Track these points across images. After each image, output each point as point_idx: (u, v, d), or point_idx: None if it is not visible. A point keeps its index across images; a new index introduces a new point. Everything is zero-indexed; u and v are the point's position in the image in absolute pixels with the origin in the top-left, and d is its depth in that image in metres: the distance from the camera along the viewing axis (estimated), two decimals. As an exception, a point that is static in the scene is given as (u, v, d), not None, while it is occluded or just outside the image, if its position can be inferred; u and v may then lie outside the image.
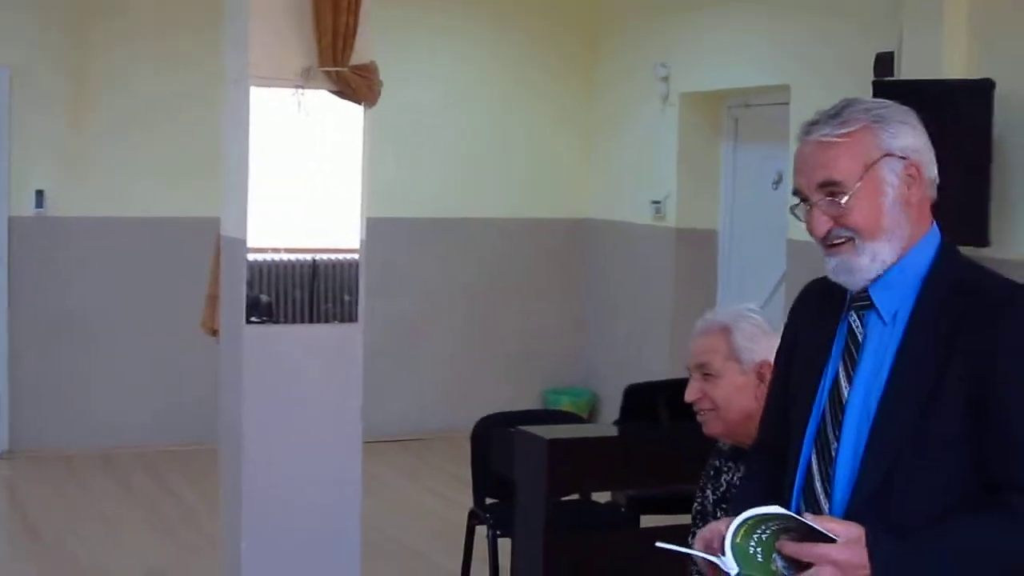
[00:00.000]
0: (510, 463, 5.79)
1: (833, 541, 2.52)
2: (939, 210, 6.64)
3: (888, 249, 2.70)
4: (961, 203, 6.63)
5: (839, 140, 2.71)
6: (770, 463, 2.94)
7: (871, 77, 7.48)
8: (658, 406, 5.78)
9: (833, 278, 2.77)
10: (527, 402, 10.65)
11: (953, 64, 7.24)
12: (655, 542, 2.72)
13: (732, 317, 3.70)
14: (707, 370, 3.72)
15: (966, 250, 6.77)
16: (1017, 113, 6.95)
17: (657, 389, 5.93)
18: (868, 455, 2.66)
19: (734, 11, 9.57)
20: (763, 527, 2.54)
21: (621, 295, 10.95)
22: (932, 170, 2.75)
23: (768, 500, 2.76)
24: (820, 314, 2.87)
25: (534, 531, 5.57)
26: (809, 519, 2.54)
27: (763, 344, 3.64)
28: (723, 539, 2.54)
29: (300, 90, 5.85)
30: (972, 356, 2.57)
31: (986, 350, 2.57)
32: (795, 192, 2.80)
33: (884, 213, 2.70)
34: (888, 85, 7.20)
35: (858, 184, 2.68)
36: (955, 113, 6.76)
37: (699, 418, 3.78)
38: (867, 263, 2.71)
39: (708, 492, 3.92)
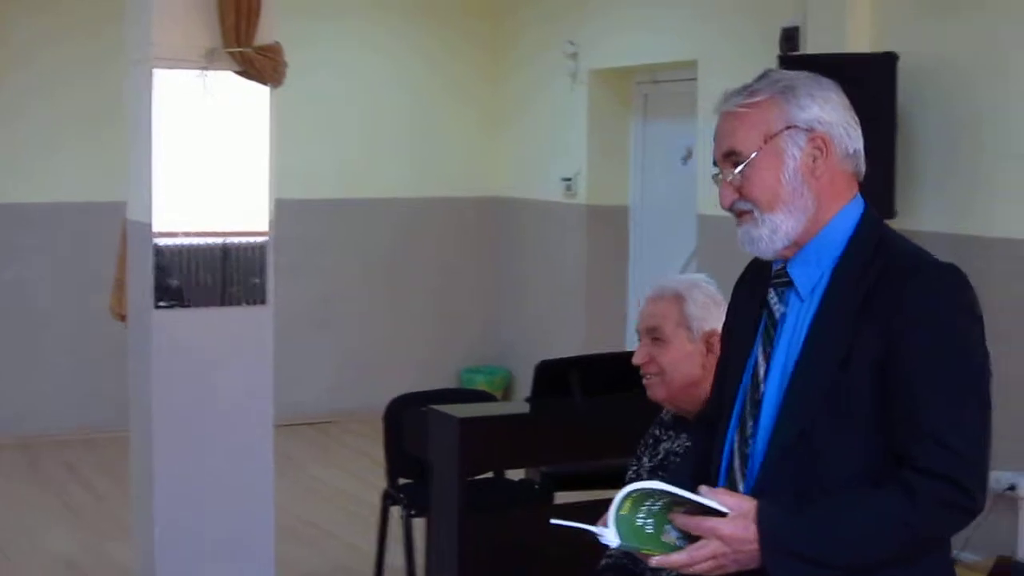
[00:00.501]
0: (423, 443, 5.77)
1: (726, 515, 2.53)
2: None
3: (790, 221, 2.68)
4: (867, 175, 6.68)
5: (744, 110, 2.70)
6: (708, 437, 2.94)
7: (778, 52, 7.52)
8: (570, 382, 5.78)
9: (741, 247, 2.76)
10: (442, 381, 10.62)
11: (857, 38, 7.29)
12: (550, 519, 2.73)
13: (686, 286, 3.73)
14: (657, 335, 3.76)
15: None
16: (920, 86, 7.02)
17: (569, 365, 5.91)
18: (781, 419, 2.66)
19: (641, -12, 9.59)
20: (652, 500, 2.53)
21: (534, 273, 10.96)
22: (848, 144, 2.72)
23: (700, 473, 2.79)
24: (752, 292, 2.86)
25: (448, 510, 5.56)
26: (702, 492, 2.55)
27: (714, 314, 3.67)
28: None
29: (204, 71, 5.80)
30: (881, 325, 2.57)
31: (892, 321, 2.56)
32: (715, 162, 2.79)
33: (782, 185, 2.68)
34: (794, 60, 7.24)
35: (756, 154, 2.68)
36: (860, 87, 6.76)
37: (644, 382, 3.82)
38: (767, 234, 2.69)
39: (644, 459, 3.95)
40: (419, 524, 6.08)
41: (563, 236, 10.53)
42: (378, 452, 6.65)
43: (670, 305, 3.75)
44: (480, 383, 10.70)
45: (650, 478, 3.84)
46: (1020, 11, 6.57)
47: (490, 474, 6.46)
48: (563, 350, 8.87)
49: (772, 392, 2.69)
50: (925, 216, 7.03)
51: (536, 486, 6.35)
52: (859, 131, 2.75)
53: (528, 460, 6.23)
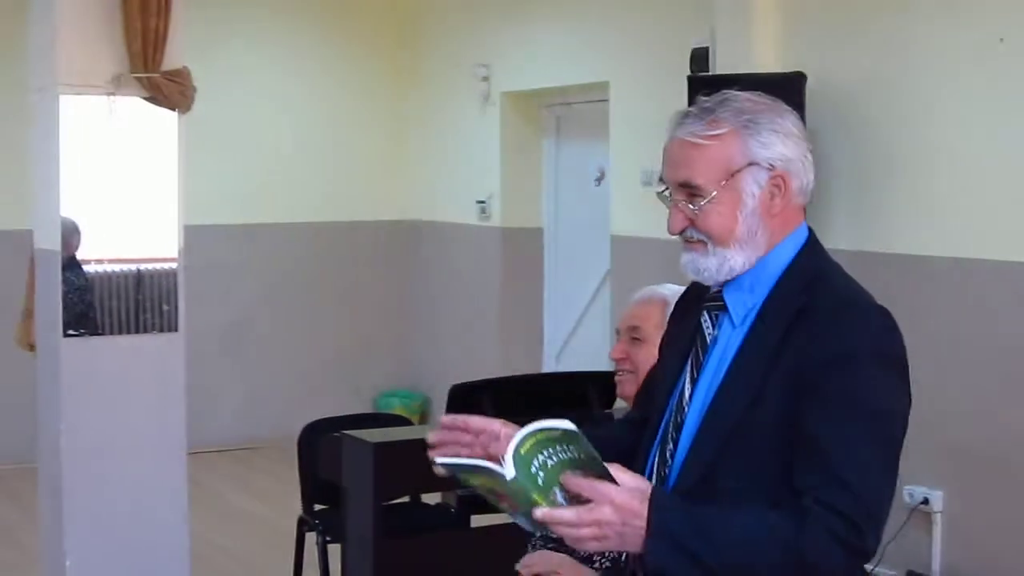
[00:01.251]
0: (337, 468, 5.74)
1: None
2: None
3: (740, 257, 2.64)
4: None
5: (705, 142, 2.63)
6: (631, 429, 2.91)
7: (688, 72, 7.56)
8: (483, 405, 5.77)
9: (684, 272, 2.72)
10: (359, 406, 10.56)
11: (765, 58, 7.35)
12: (438, 461, 2.63)
13: (673, 294, 3.76)
14: (636, 334, 3.82)
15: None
16: (828, 105, 7.08)
17: (481, 388, 5.92)
18: (694, 447, 2.62)
19: (552, 11, 9.61)
20: (552, 450, 2.42)
21: (449, 296, 10.95)
22: (804, 177, 2.66)
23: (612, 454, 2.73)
24: (687, 314, 2.83)
25: (364, 536, 5.54)
26: (609, 466, 2.46)
27: None
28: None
29: (112, 97, 5.76)
30: (794, 366, 2.53)
31: (805, 363, 2.53)
32: (661, 178, 2.73)
33: (740, 223, 2.63)
34: (703, 80, 7.28)
35: (714, 192, 2.62)
36: (768, 106, 6.85)
37: (617, 377, 3.90)
38: (715, 266, 2.65)
39: None
40: (335, 550, 6.04)
41: (478, 258, 10.53)
42: (293, 478, 6.60)
43: (654, 308, 3.81)
44: (397, 407, 10.67)
45: None
46: (925, 31, 6.64)
47: (406, 499, 6.43)
48: (479, 372, 8.86)
49: (693, 418, 2.66)
50: (833, 234, 7.07)
51: (452, 510, 6.33)
52: (811, 161, 2.69)
53: (443, 484, 6.19)
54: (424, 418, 11.02)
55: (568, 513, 2.41)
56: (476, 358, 10.32)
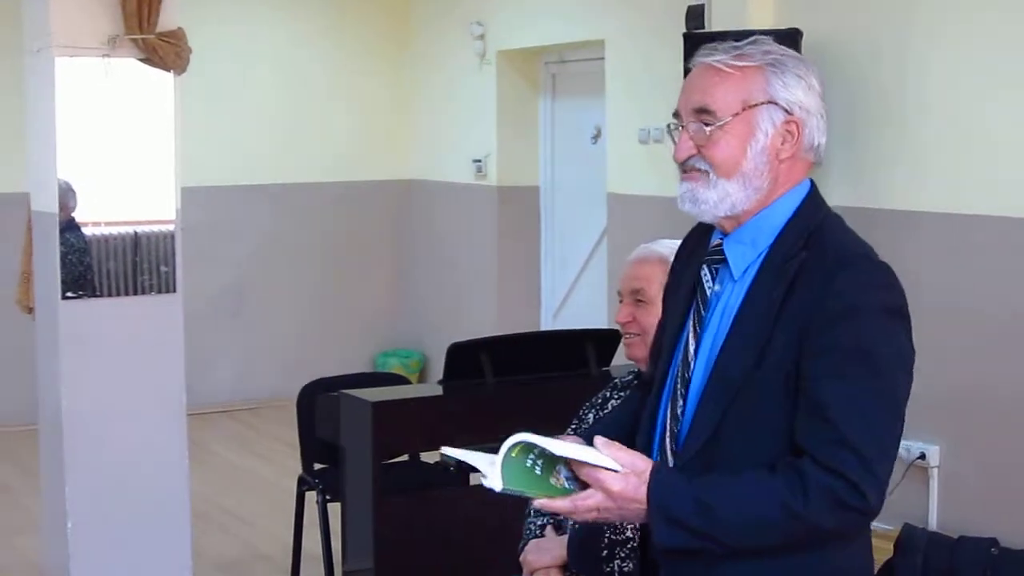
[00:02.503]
0: (336, 428, 5.76)
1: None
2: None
3: (741, 193, 2.63)
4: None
5: (728, 70, 2.62)
6: (644, 399, 2.91)
7: (683, 30, 7.55)
8: (482, 363, 5.80)
9: (679, 205, 2.70)
10: (358, 366, 10.59)
11: (760, 14, 7.34)
12: (444, 452, 2.68)
13: (670, 250, 3.71)
14: (640, 296, 3.74)
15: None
16: (824, 62, 7.06)
17: (481, 347, 5.93)
18: (701, 405, 2.63)
19: (547, -33, 9.59)
20: (540, 449, 2.50)
21: (447, 255, 10.96)
22: (816, 136, 2.67)
23: (625, 432, 2.78)
24: (690, 262, 2.83)
25: (363, 494, 5.56)
26: (597, 444, 2.53)
27: None
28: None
29: (107, 58, 5.75)
30: (798, 322, 2.54)
31: (810, 319, 2.53)
32: (675, 113, 2.71)
33: (747, 157, 2.62)
34: (699, 37, 7.27)
35: (730, 119, 2.61)
36: (764, 63, 6.85)
37: (625, 340, 3.82)
38: (715, 199, 2.64)
39: (590, 415, 3.98)
40: (335, 509, 6.07)
41: (474, 217, 10.53)
42: (293, 438, 6.62)
43: (655, 268, 3.73)
44: (395, 366, 10.69)
45: (588, 432, 3.89)
46: (920, -14, 6.64)
47: (404, 457, 6.46)
48: (476, 331, 8.88)
49: (699, 374, 2.67)
50: (829, 190, 7.04)
51: (451, 468, 6.35)
52: (825, 125, 2.70)
53: (442, 442, 6.22)
54: (422, 377, 11.06)
55: (565, 503, 2.53)
56: (473, 317, 10.34)
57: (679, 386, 2.70)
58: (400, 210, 11.39)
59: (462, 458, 2.58)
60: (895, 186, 6.80)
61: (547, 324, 10.18)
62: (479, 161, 10.36)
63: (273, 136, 10.80)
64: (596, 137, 9.48)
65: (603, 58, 8.89)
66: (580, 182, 9.78)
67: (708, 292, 2.71)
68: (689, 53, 6.93)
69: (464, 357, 5.85)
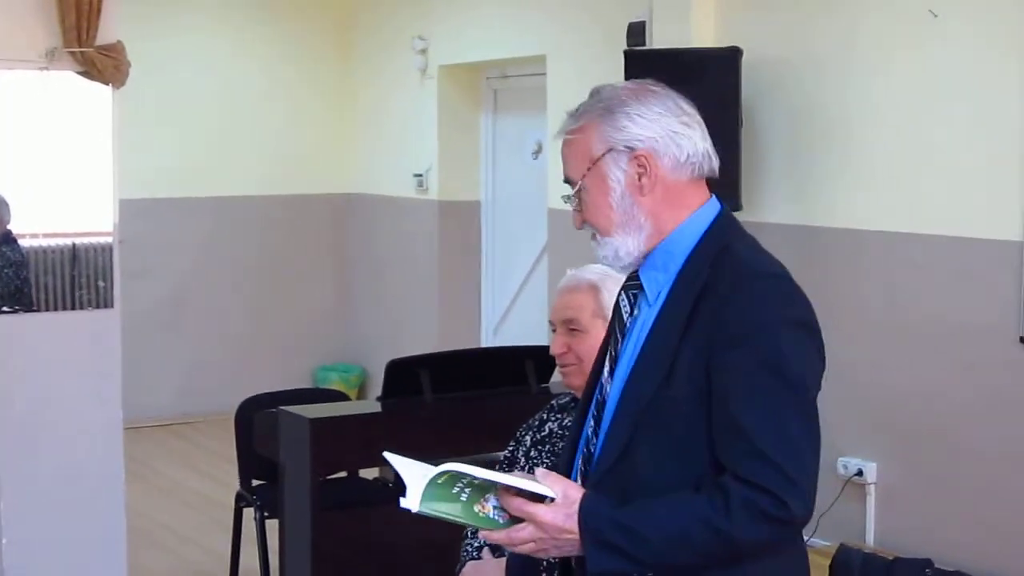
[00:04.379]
0: (275, 444, 5.75)
1: (553, 500, 2.55)
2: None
3: (630, 242, 2.69)
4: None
5: (572, 136, 2.72)
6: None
7: (624, 47, 7.57)
8: (421, 380, 5.79)
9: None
10: (298, 380, 10.57)
11: (702, 32, 7.37)
12: (386, 456, 2.68)
13: (599, 276, 3.71)
14: (574, 325, 3.70)
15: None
16: (764, 80, 7.11)
17: (419, 363, 5.93)
18: (613, 425, 2.67)
19: (489, -17, 9.61)
20: (468, 480, 2.53)
21: (387, 269, 10.94)
22: (677, 152, 2.67)
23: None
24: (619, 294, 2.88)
25: (301, 511, 5.55)
26: (538, 474, 2.58)
27: None
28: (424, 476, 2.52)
29: (45, 71, 5.72)
30: (703, 340, 2.57)
31: (713, 337, 2.56)
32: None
33: (613, 209, 2.68)
34: (639, 55, 7.30)
35: (583, 182, 2.70)
36: (704, 81, 6.88)
37: (561, 370, 3.78)
38: (611, 255, 2.71)
39: (527, 437, 3.95)
40: (273, 525, 6.05)
41: (415, 232, 10.52)
42: (231, 453, 6.60)
43: (586, 296, 3.72)
44: (335, 382, 10.67)
45: (527, 453, 3.88)
46: (860, 6, 6.68)
47: (343, 474, 6.44)
48: (417, 346, 8.88)
49: (613, 397, 2.71)
50: (770, 208, 7.12)
51: (389, 484, 6.35)
52: (695, 131, 2.71)
53: (380, 459, 6.22)
54: (362, 392, 11.03)
55: (501, 535, 2.60)
56: (414, 331, 10.32)
57: (595, 410, 2.76)
58: (341, 224, 11.37)
59: (397, 467, 2.58)
60: (836, 204, 6.84)
61: (487, 340, 10.18)
62: (420, 176, 10.35)
63: (213, 149, 10.74)
64: (537, 152, 9.50)
65: (545, 74, 8.91)
66: (521, 198, 9.79)
67: (626, 318, 2.77)
68: (630, 70, 6.95)
69: (403, 374, 5.85)
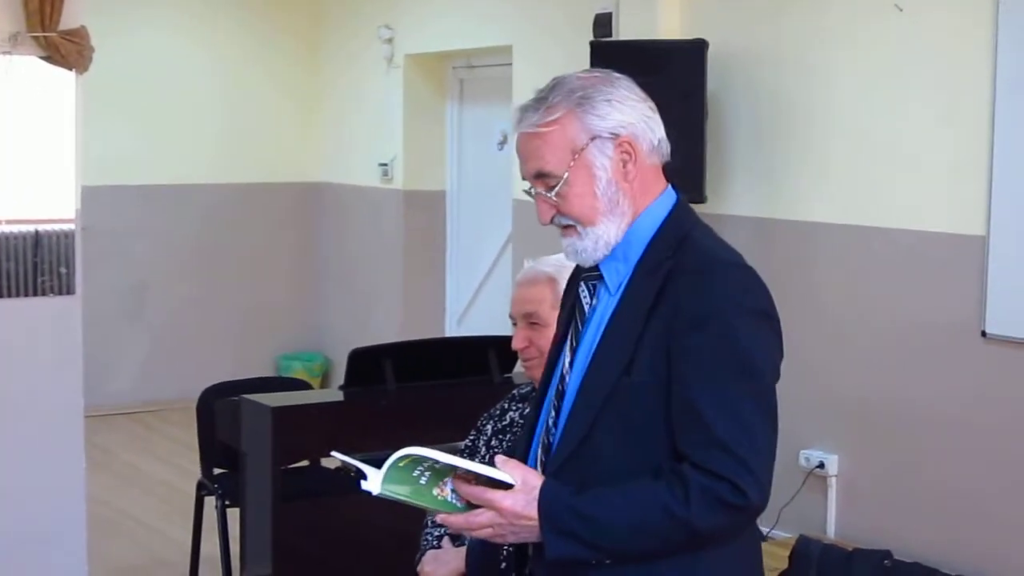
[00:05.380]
0: (236, 432, 5.74)
1: (511, 486, 2.56)
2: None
3: (612, 230, 2.68)
4: (678, 161, 6.76)
5: (544, 130, 2.66)
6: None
7: (591, 37, 7.57)
8: (384, 369, 5.79)
9: (567, 259, 2.77)
10: (260, 369, 10.55)
11: (668, 24, 7.38)
12: (335, 455, 2.72)
13: (555, 268, 3.68)
14: (534, 319, 3.67)
15: (684, 207, 6.94)
16: (729, 72, 7.12)
17: (382, 352, 5.92)
18: (572, 413, 2.67)
19: (456, -28, 9.59)
20: (428, 463, 2.53)
21: (352, 258, 10.92)
22: (652, 137, 2.70)
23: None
24: (573, 285, 2.87)
25: (262, 500, 5.54)
26: (498, 461, 2.58)
27: None
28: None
29: (7, 56, 5.68)
30: (664, 329, 2.58)
31: (673, 325, 2.57)
32: (524, 178, 2.76)
33: (598, 198, 2.67)
34: (605, 46, 7.30)
35: (566, 174, 2.66)
36: (670, 73, 6.89)
37: (524, 364, 3.74)
38: (591, 246, 2.69)
39: (488, 426, 3.95)
40: (234, 514, 6.03)
41: (380, 221, 10.50)
42: (193, 442, 6.57)
43: (544, 289, 3.70)
44: (298, 370, 10.65)
45: (488, 442, 3.88)
46: (825, 0, 6.71)
47: (305, 463, 6.43)
48: (381, 335, 8.87)
49: (573, 386, 2.71)
50: (734, 200, 7.14)
51: (351, 474, 6.33)
52: (658, 117, 2.73)
53: (342, 448, 6.20)
54: (325, 381, 11.01)
55: (459, 520, 2.60)
56: (378, 321, 10.32)
57: (554, 399, 2.76)
58: (305, 212, 11.34)
59: (351, 462, 2.60)
60: (799, 197, 6.86)
61: (452, 329, 10.17)
62: (385, 165, 10.34)
63: (176, 136, 10.69)
64: (503, 143, 9.49)
65: (511, 64, 8.90)
66: (486, 187, 9.79)
67: (586, 307, 2.76)
68: (596, 61, 6.95)
69: (366, 363, 5.84)
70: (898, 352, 6.37)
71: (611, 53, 7.11)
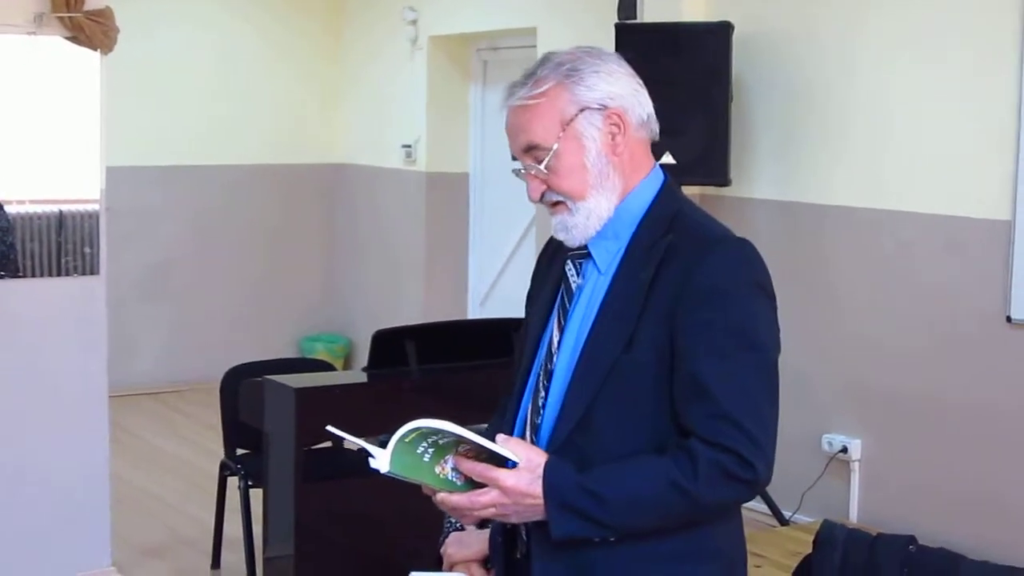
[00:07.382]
0: (259, 413, 5.74)
1: (515, 465, 2.55)
2: (682, 151, 6.71)
3: (603, 204, 2.67)
4: (702, 144, 6.76)
5: (533, 102, 2.66)
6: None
7: (615, 20, 7.55)
8: (407, 351, 5.78)
9: (555, 236, 2.76)
10: (283, 350, 10.58)
11: (693, 7, 7.35)
12: (329, 430, 2.76)
13: None
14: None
15: (708, 190, 6.93)
16: (755, 55, 7.10)
17: (405, 334, 5.92)
18: (571, 391, 2.65)
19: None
20: (440, 435, 2.51)
21: (375, 240, 10.92)
22: (641, 112, 2.70)
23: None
24: (552, 263, 2.87)
25: (285, 480, 5.55)
26: (498, 440, 2.57)
27: None
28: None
29: (33, 36, 5.69)
30: (667, 304, 2.57)
31: (677, 300, 2.56)
32: (513, 157, 2.76)
33: (588, 170, 2.66)
34: (630, 28, 7.28)
35: (556, 145, 2.65)
36: (695, 55, 6.88)
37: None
38: (583, 221, 2.68)
39: None
40: (257, 494, 6.04)
41: (403, 203, 10.50)
42: (216, 422, 6.59)
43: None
44: (320, 352, 10.65)
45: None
46: (851, -18, 6.68)
47: (327, 444, 6.43)
48: (403, 318, 8.86)
49: (563, 365, 2.70)
50: (759, 184, 7.12)
51: (362, 453, 6.34)
52: (647, 93, 2.73)
53: (365, 429, 6.21)
54: (348, 363, 11.03)
55: (462, 499, 2.59)
56: (400, 303, 10.32)
57: (542, 378, 2.74)
58: (329, 194, 11.35)
59: (347, 438, 2.64)
60: (826, 180, 6.84)
61: (474, 311, 10.17)
62: (408, 147, 10.34)
63: (202, 117, 10.70)
64: (526, 125, 9.46)
65: (535, 46, 8.89)
66: (509, 170, 9.73)
67: (573, 286, 2.75)
68: (621, 44, 6.93)
69: (389, 344, 5.84)
70: (922, 337, 6.35)
71: (635, 35, 7.09)
